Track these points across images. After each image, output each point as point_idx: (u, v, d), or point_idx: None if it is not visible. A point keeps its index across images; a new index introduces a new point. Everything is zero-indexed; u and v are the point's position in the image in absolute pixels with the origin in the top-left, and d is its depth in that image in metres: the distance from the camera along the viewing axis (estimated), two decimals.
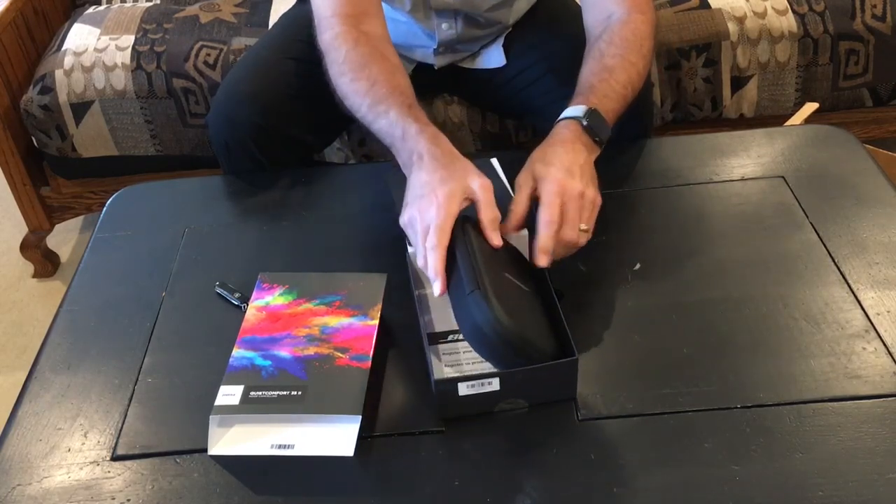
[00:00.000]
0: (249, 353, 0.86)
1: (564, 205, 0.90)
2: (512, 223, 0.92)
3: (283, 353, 0.86)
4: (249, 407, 0.81)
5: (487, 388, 0.80)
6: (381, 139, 1.04)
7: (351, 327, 0.89)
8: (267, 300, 0.93)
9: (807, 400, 0.82)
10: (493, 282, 0.82)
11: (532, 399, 0.83)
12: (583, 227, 0.91)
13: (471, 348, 0.85)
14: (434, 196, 0.89)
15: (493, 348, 0.82)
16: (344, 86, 1.08)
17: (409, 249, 0.94)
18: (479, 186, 0.90)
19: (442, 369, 0.86)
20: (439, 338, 0.90)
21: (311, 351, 0.86)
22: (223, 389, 0.83)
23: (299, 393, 0.82)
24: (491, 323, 0.79)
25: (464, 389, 0.80)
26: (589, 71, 1.07)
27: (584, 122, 0.99)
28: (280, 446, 0.80)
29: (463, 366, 0.86)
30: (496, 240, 0.88)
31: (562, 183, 0.91)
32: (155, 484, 0.79)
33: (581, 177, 0.93)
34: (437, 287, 0.85)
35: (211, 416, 0.81)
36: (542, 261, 0.88)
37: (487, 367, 0.84)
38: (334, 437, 0.80)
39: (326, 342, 0.87)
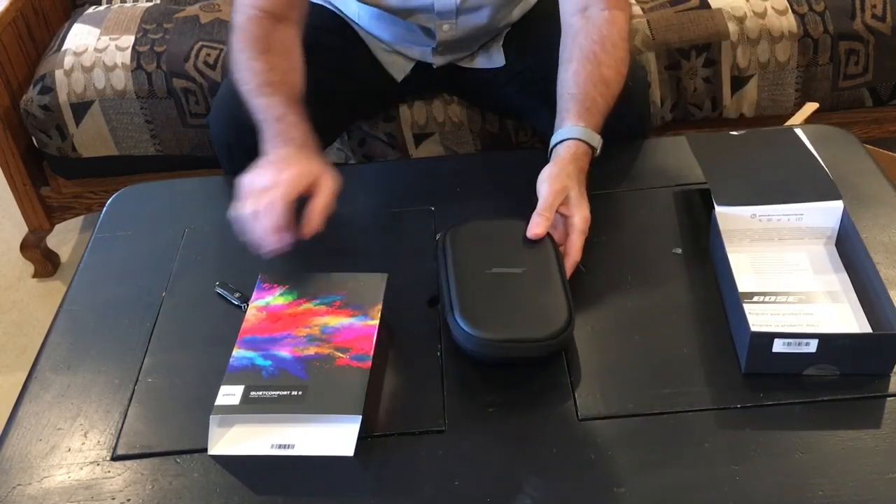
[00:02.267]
0: (250, 353, 0.86)
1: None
2: (544, 227, 0.95)
3: (284, 353, 0.86)
4: (250, 407, 0.81)
5: (803, 349, 0.81)
6: (255, 114, 1.07)
7: (351, 327, 0.89)
8: (267, 300, 0.93)
9: (807, 399, 0.82)
10: (465, 296, 0.87)
11: (844, 368, 0.83)
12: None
13: (781, 311, 0.90)
14: (293, 166, 0.97)
15: (481, 358, 0.87)
16: (242, 61, 1.11)
17: (717, 209, 0.96)
18: (328, 180, 0.97)
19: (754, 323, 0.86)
20: (748, 297, 0.91)
21: (311, 351, 0.86)
22: (223, 389, 0.83)
23: (300, 393, 0.82)
24: (466, 342, 0.85)
25: (779, 346, 0.81)
26: (587, 77, 1.07)
27: (597, 153, 1.05)
28: (280, 446, 0.80)
29: (771, 327, 0.88)
30: (309, 227, 0.94)
31: (587, 221, 0.96)
32: (155, 484, 0.79)
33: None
34: (266, 247, 0.93)
35: (211, 416, 0.81)
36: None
37: (798, 330, 0.86)
38: (334, 437, 0.80)
39: (327, 342, 0.87)
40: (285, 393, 0.82)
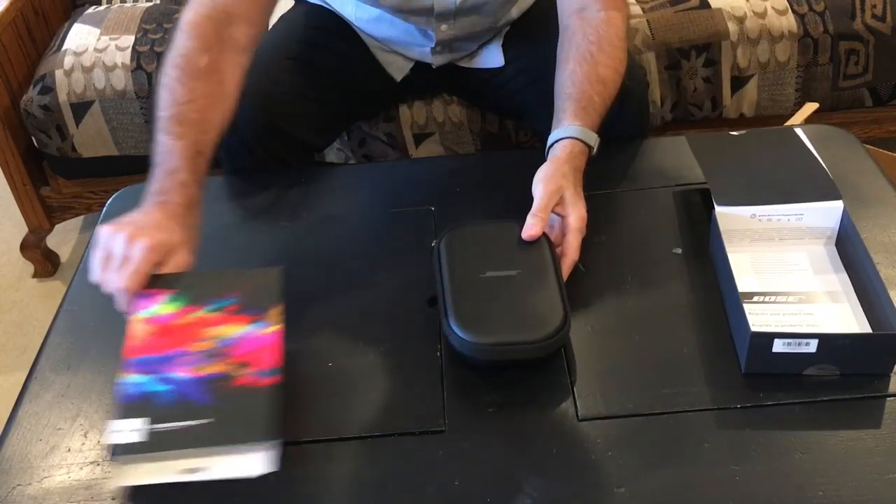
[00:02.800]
0: (143, 378, 0.77)
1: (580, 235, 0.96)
2: (538, 228, 0.94)
3: (181, 374, 0.77)
4: (154, 444, 0.73)
5: (802, 349, 0.81)
6: (155, 147, 1.00)
7: (250, 337, 0.80)
8: (153, 310, 0.82)
9: (807, 399, 0.82)
10: (459, 301, 0.87)
11: (844, 368, 0.83)
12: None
13: (781, 311, 0.90)
14: (150, 237, 0.87)
15: (478, 363, 0.87)
16: (169, 76, 1.02)
17: (717, 209, 0.97)
18: (178, 261, 0.89)
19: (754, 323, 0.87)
20: (748, 297, 0.92)
21: (209, 370, 0.78)
22: (118, 424, 0.74)
23: (207, 421, 0.74)
24: (461, 347, 0.85)
25: (779, 346, 0.81)
26: (584, 76, 1.07)
27: (594, 152, 1.04)
28: (192, 471, 0.74)
29: (771, 327, 0.88)
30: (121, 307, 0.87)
31: (583, 219, 0.96)
32: (155, 484, 0.79)
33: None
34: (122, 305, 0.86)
35: (112, 458, 0.74)
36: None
37: (798, 330, 0.87)
38: (250, 460, 0.74)
39: (226, 357, 0.79)
40: (191, 423, 0.74)
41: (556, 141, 1.03)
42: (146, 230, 0.88)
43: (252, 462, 0.74)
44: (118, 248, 0.87)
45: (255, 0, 1.09)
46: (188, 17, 1.05)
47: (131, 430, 0.74)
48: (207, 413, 0.75)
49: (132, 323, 0.82)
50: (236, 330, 0.81)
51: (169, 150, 0.97)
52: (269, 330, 0.81)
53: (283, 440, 0.77)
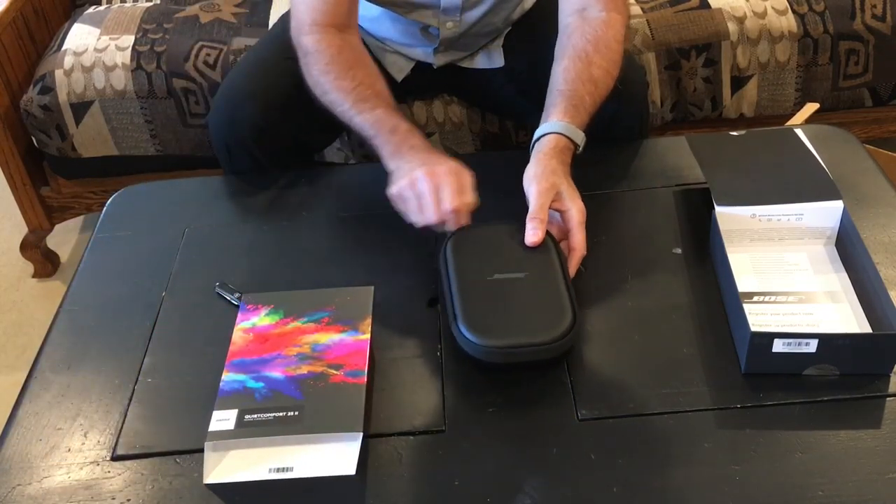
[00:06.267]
0: (240, 376, 0.84)
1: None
2: (540, 233, 0.94)
3: (276, 373, 0.84)
4: (245, 431, 0.79)
5: (802, 349, 0.82)
6: (361, 131, 1.09)
7: (343, 343, 0.87)
8: (253, 321, 0.90)
9: (807, 399, 0.82)
10: (468, 305, 0.87)
11: (844, 368, 0.83)
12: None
13: (781, 311, 0.91)
14: (443, 164, 0.97)
15: (488, 366, 0.86)
16: (327, 83, 1.12)
17: (717, 209, 0.97)
18: (469, 177, 0.98)
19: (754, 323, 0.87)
20: (748, 297, 0.92)
21: (303, 370, 0.84)
22: (216, 415, 0.80)
23: (296, 413, 0.80)
24: (472, 351, 0.85)
25: (778, 346, 0.81)
26: (577, 75, 1.07)
27: (579, 150, 1.05)
28: (279, 470, 0.79)
29: (771, 327, 0.88)
30: (462, 219, 0.96)
31: (584, 212, 0.97)
32: (155, 484, 0.79)
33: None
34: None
35: (206, 444, 0.79)
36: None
37: (798, 330, 0.87)
38: (334, 456, 0.79)
39: (319, 360, 0.85)
40: (281, 414, 0.80)
41: (543, 135, 1.03)
42: (432, 165, 0.97)
43: (337, 459, 0.78)
44: (425, 187, 0.96)
45: (348, 8, 1.17)
46: (307, 41, 1.15)
47: (225, 419, 0.80)
48: (298, 406, 0.81)
49: (235, 332, 0.89)
50: (329, 337, 0.87)
51: (376, 121, 1.08)
52: (359, 338, 0.87)
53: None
